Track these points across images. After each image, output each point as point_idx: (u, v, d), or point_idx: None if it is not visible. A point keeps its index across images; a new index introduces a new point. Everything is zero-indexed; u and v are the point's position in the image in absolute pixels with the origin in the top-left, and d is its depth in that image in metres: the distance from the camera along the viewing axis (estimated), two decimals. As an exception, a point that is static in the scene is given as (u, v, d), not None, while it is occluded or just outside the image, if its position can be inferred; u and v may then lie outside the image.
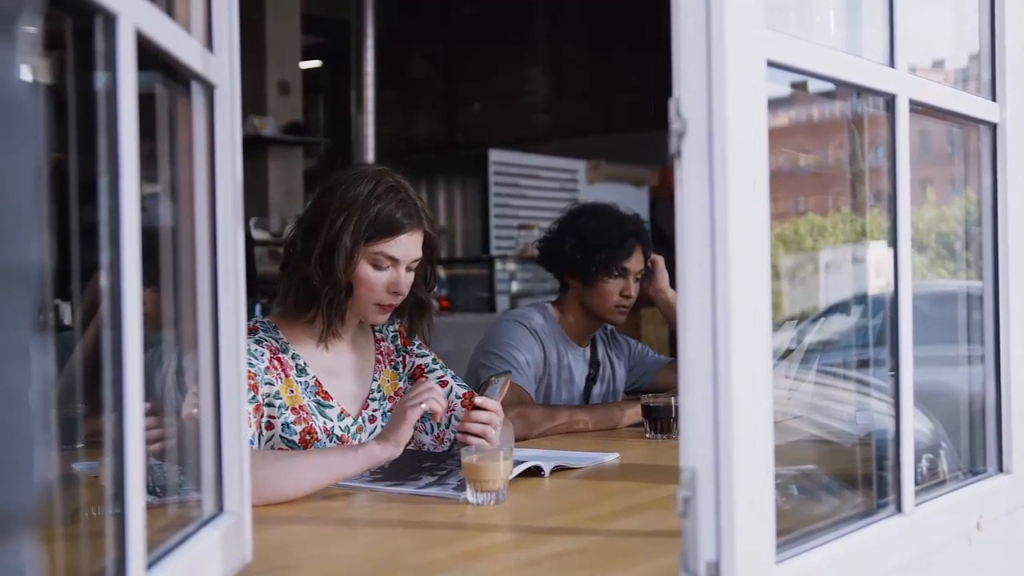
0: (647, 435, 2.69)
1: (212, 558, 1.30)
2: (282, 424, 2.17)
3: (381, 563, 1.59)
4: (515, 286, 7.58)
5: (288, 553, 1.63)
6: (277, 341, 2.23)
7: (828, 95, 1.77)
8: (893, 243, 1.55)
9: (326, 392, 2.26)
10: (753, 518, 1.20)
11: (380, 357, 2.40)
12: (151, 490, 1.30)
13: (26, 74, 0.54)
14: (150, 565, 1.10)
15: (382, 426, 2.31)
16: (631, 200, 6.67)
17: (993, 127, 1.84)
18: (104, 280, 1.04)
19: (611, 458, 2.38)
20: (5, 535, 0.52)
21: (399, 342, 2.45)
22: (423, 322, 2.38)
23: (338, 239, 2.17)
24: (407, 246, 2.23)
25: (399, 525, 1.78)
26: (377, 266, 2.22)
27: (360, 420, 2.31)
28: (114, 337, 1.02)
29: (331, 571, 1.59)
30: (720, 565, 1.18)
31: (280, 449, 2.16)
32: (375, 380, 2.37)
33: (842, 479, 1.75)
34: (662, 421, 2.68)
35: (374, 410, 2.35)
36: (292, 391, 2.21)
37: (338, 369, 2.31)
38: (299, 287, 2.23)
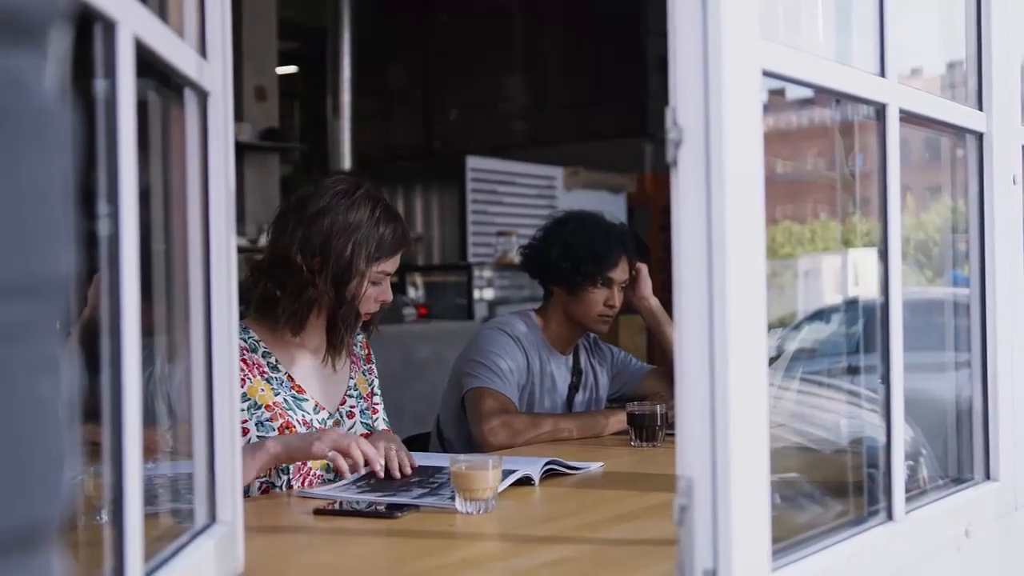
0: (632, 443, 2.69)
1: (206, 568, 1.29)
2: (256, 423, 2.21)
3: (373, 573, 1.59)
4: (493, 293, 7.57)
5: (280, 563, 1.62)
6: (246, 340, 2.26)
7: (805, 102, 1.78)
8: (883, 251, 1.56)
9: (299, 386, 2.33)
10: (750, 526, 1.21)
11: (354, 358, 2.50)
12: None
13: (55, 85, 0.54)
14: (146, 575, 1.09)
15: (361, 422, 2.43)
16: (608, 207, 6.67)
17: (979, 136, 1.85)
18: (101, 287, 1.03)
19: (596, 467, 2.38)
20: (37, 546, 0.52)
21: (364, 352, 2.55)
22: (378, 316, 2.45)
23: (352, 265, 2.27)
24: (398, 260, 2.37)
25: (390, 535, 1.78)
26: (374, 283, 2.33)
27: (337, 415, 2.39)
28: (112, 345, 1.01)
29: (322, 581, 1.59)
30: (717, 573, 1.18)
31: None
32: (351, 378, 2.46)
33: (830, 487, 1.76)
34: (647, 429, 2.68)
35: (351, 406, 2.43)
36: (263, 390, 2.26)
37: (314, 368, 2.38)
38: (306, 307, 2.28)
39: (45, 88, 0.53)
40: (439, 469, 2.20)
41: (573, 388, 3.16)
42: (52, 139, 0.53)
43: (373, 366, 2.55)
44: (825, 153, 1.94)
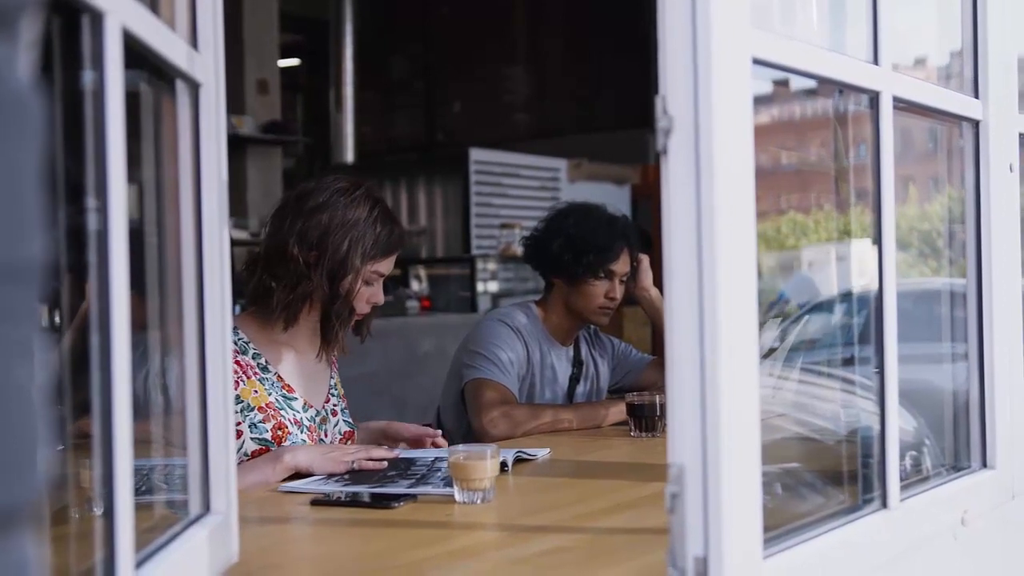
0: (632, 433, 2.70)
1: (199, 558, 1.30)
2: (250, 425, 2.22)
3: (368, 563, 1.59)
4: (497, 286, 7.57)
5: (274, 553, 1.63)
6: (236, 343, 2.27)
7: (810, 92, 1.77)
8: (877, 241, 1.56)
9: (289, 386, 2.35)
10: (741, 513, 1.21)
11: (333, 360, 2.53)
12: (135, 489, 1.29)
13: (27, 73, 0.54)
14: (138, 564, 1.10)
15: (343, 420, 2.48)
16: (612, 199, 6.67)
17: (976, 124, 1.85)
18: (90, 281, 1.03)
19: (543, 453, 2.41)
20: (10, 530, 0.52)
21: (335, 353, 2.57)
22: (371, 318, 2.47)
23: (347, 261, 2.29)
24: (392, 263, 2.40)
25: (386, 525, 1.78)
26: (368, 283, 2.35)
27: (323, 412, 2.42)
28: (102, 338, 1.02)
29: (318, 571, 1.59)
30: (708, 560, 1.18)
31: (253, 452, 2.21)
32: (332, 378, 2.50)
33: (827, 476, 1.76)
34: (647, 419, 2.68)
35: (334, 405, 2.48)
36: (256, 391, 2.29)
37: (299, 367, 2.41)
38: (300, 300, 2.31)
39: (17, 76, 0.53)
40: (412, 461, 2.23)
41: (574, 379, 3.17)
42: (25, 127, 0.53)
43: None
44: (829, 143, 1.94)
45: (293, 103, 10.07)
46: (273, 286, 2.29)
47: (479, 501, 1.88)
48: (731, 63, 1.21)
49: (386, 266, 2.37)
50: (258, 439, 2.24)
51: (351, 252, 2.29)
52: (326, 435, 2.40)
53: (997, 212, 1.86)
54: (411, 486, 2.00)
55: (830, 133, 1.85)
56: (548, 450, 2.45)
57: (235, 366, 2.24)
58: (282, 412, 2.29)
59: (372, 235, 2.31)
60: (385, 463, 2.18)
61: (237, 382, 2.23)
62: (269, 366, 2.33)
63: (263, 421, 2.25)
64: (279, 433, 2.26)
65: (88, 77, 1.03)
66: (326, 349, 2.38)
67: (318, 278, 2.28)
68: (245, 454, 2.22)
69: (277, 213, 2.36)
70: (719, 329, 1.17)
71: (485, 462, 1.89)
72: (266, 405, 2.27)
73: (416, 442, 2.46)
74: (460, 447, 2.00)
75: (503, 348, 2.95)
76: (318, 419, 2.39)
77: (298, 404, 2.34)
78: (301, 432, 2.30)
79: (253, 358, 2.31)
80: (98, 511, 1.08)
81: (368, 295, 2.36)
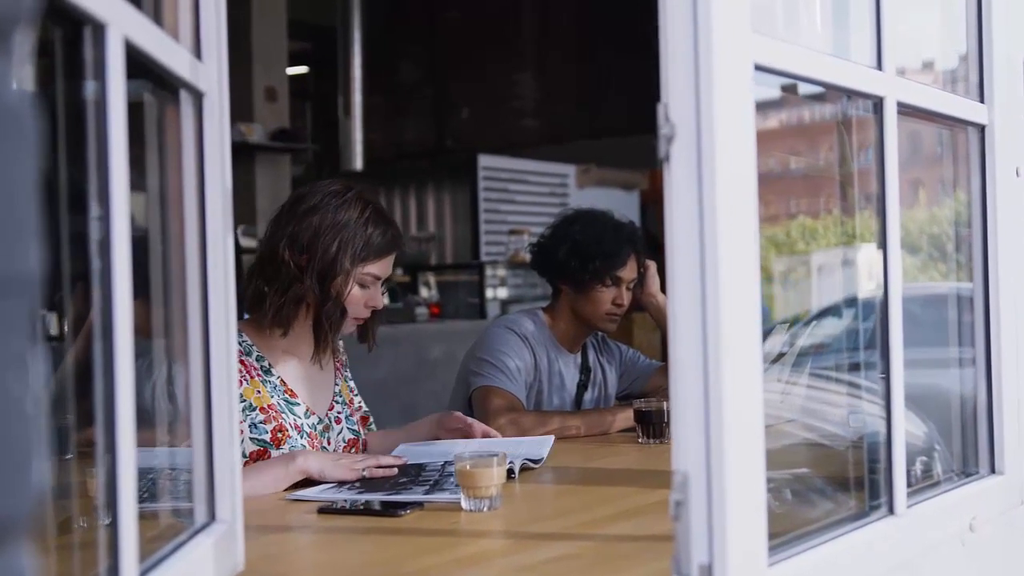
0: (639, 440, 2.69)
1: (205, 566, 1.30)
2: (250, 425, 2.24)
3: (375, 571, 1.59)
4: (505, 292, 7.57)
5: (280, 562, 1.63)
6: (240, 344, 2.27)
7: (818, 98, 1.77)
8: (883, 245, 1.55)
9: (292, 391, 2.36)
10: (745, 520, 1.21)
11: (338, 366, 2.53)
12: (140, 498, 1.30)
13: (22, 84, 0.54)
14: (143, 573, 1.10)
15: (347, 428, 2.47)
16: (621, 204, 6.68)
17: (981, 128, 1.85)
18: (95, 290, 1.04)
19: (548, 443, 2.44)
20: (5, 542, 0.52)
21: (344, 358, 2.59)
22: (375, 325, 2.47)
23: (336, 262, 2.29)
24: (389, 265, 2.39)
25: (393, 533, 1.78)
26: (363, 285, 2.35)
27: (327, 420, 2.42)
28: (105, 347, 1.02)
29: (324, 579, 1.59)
30: (712, 568, 1.18)
31: (252, 453, 2.21)
32: (336, 385, 2.50)
33: (835, 482, 1.75)
34: (654, 425, 2.67)
35: (338, 412, 2.47)
36: (259, 392, 2.30)
37: (302, 373, 2.41)
38: (292, 303, 2.30)
39: (12, 89, 0.53)
40: (423, 467, 2.23)
41: (582, 386, 3.16)
42: (21, 140, 0.53)
43: (348, 372, 2.59)
44: (837, 148, 1.94)
45: (302, 110, 10.07)
46: (266, 291, 2.29)
47: (486, 509, 1.88)
48: (732, 69, 1.21)
49: (380, 268, 2.35)
50: (257, 440, 2.24)
51: (340, 253, 2.28)
52: (329, 443, 2.39)
53: (1004, 216, 1.85)
54: (425, 493, 1.99)
55: (838, 138, 1.85)
56: (552, 437, 2.47)
57: (239, 366, 2.25)
58: (283, 415, 2.29)
59: (363, 236, 2.31)
60: (395, 470, 2.18)
61: (240, 381, 2.23)
62: (273, 369, 2.34)
63: (264, 422, 2.26)
64: (279, 436, 2.26)
65: (91, 87, 1.04)
66: (318, 353, 2.38)
67: (309, 280, 2.28)
68: (244, 454, 2.22)
69: (274, 219, 2.37)
70: (722, 335, 1.17)
71: (492, 470, 1.89)
72: (268, 406, 2.28)
73: (465, 433, 2.48)
74: (467, 454, 1.99)
75: (510, 355, 2.95)
76: (320, 427, 2.39)
77: (300, 410, 2.35)
78: (301, 437, 2.30)
79: (257, 360, 2.32)
80: (106, 521, 1.08)
81: (365, 299, 2.35)
